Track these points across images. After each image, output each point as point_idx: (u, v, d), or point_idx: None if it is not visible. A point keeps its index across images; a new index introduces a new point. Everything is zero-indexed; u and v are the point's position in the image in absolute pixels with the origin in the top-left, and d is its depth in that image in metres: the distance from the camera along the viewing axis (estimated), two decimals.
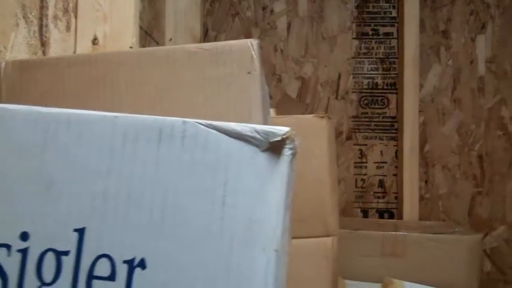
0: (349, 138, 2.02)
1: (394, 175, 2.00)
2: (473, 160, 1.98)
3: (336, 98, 2.02)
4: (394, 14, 2.02)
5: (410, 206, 1.92)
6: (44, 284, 0.46)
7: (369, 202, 2.01)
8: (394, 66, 2.02)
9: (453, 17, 2.00)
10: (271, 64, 2.01)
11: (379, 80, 2.03)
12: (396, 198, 2.00)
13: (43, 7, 0.94)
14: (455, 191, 1.98)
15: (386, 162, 2.01)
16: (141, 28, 1.50)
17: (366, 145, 2.02)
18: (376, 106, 2.02)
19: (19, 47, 0.86)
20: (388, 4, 2.03)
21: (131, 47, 1.04)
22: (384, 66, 2.02)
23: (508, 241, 1.97)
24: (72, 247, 0.46)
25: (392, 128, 2.01)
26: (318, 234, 1.04)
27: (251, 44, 0.79)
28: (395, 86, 2.01)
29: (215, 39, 1.97)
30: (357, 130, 2.02)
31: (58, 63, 0.75)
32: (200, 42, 1.78)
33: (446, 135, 1.99)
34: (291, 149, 0.48)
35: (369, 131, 2.02)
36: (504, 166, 1.98)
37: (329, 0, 2.03)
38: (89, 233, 0.46)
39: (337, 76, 2.02)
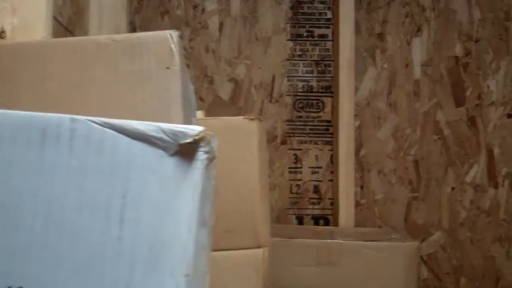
0: (283, 142, 1.96)
1: (329, 180, 1.96)
2: (409, 165, 1.96)
3: (270, 101, 1.96)
4: (329, 15, 1.98)
5: (346, 212, 1.88)
6: None
7: (304, 209, 1.96)
8: (329, 69, 1.97)
9: (389, 20, 1.97)
10: (203, 65, 1.94)
11: (314, 83, 1.97)
12: (331, 204, 1.96)
13: None
14: (391, 196, 1.96)
15: (321, 167, 1.96)
16: (60, 23, 1.40)
17: (301, 149, 1.96)
18: (311, 109, 1.97)
19: None
20: (323, 5, 1.98)
21: None
22: (319, 68, 1.98)
23: (444, 247, 1.95)
24: None
25: (327, 132, 1.96)
26: (249, 246, 0.98)
27: (171, 35, 0.71)
28: (331, 90, 1.97)
29: None
30: (292, 134, 1.96)
31: None
32: None
33: (381, 140, 1.96)
34: (206, 153, 0.39)
35: (304, 135, 1.97)
36: (440, 171, 1.96)
37: (262, 0, 1.96)
38: None
39: (271, 79, 1.96)
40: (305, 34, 1.98)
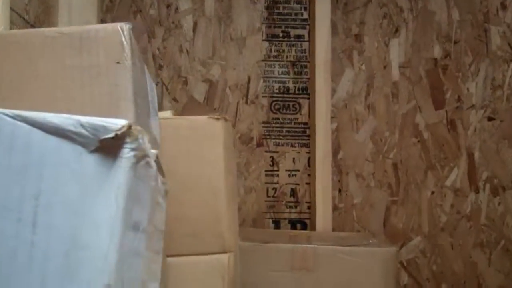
0: (260, 144, 1.92)
1: (307, 183, 1.92)
2: (388, 168, 1.93)
3: (246, 102, 1.92)
4: (305, 16, 1.95)
5: (323, 216, 1.85)
6: None
7: (281, 212, 1.92)
8: (306, 70, 1.94)
9: (366, 21, 1.94)
10: (176, 65, 1.90)
11: (290, 85, 1.94)
12: (309, 208, 1.92)
13: None
14: (370, 200, 1.93)
15: (298, 170, 1.93)
16: (26, 21, 1.36)
17: (277, 152, 1.93)
18: (288, 111, 1.93)
19: None
20: (299, 6, 1.95)
21: None
22: (296, 69, 1.94)
23: (424, 252, 1.92)
24: None
25: (304, 135, 1.93)
26: (214, 251, 0.95)
27: (121, 29, 0.67)
28: (307, 91, 1.93)
29: None
30: (268, 137, 1.92)
31: None
32: None
33: (359, 142, 1.93)
34: (133, 150, 0.35)
35: (281, 137, 1.93)
36: (420, 174, 1.93)
37: (237, 0, 1.92)
38: None
39: (247, 80, 1.93)
40: (281, 34, 1.95)
